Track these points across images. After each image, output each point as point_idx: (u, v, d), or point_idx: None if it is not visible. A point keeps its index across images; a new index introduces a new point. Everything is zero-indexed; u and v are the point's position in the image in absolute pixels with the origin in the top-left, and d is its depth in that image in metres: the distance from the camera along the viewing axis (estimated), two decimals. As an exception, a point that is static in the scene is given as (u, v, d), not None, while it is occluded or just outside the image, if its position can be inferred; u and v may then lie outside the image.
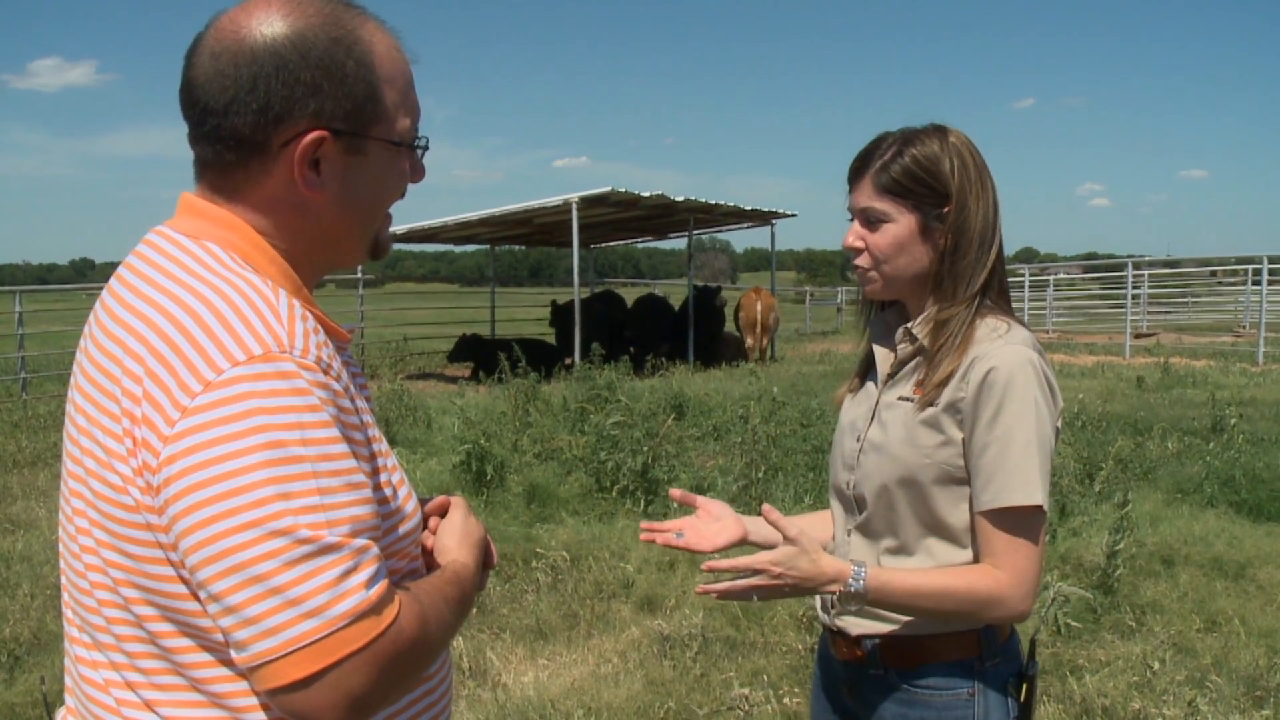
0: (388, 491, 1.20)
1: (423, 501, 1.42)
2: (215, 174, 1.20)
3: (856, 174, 1.81)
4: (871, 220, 1.79)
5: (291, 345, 1.08)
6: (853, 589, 1.67)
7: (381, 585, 1.07)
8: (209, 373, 1.04)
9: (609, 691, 4.31)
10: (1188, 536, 6.24)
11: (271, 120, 1.15)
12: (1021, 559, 1.66)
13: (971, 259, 1.75)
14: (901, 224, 1.76)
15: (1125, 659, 4.55)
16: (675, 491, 1.97)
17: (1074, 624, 4.88)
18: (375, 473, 1.17)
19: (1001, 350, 1.68)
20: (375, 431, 1.22)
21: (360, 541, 1.06)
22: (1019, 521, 1.66)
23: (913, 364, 1.80)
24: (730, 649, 4.74)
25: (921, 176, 1.74)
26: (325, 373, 1.10)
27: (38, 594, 5.48)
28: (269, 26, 1.16)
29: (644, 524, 1.94)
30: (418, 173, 1.32)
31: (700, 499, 1.96)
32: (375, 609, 1.05)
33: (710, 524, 1.93)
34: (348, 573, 1.03)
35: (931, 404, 1.72)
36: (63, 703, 1.28)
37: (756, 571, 1.69)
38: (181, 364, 1.06)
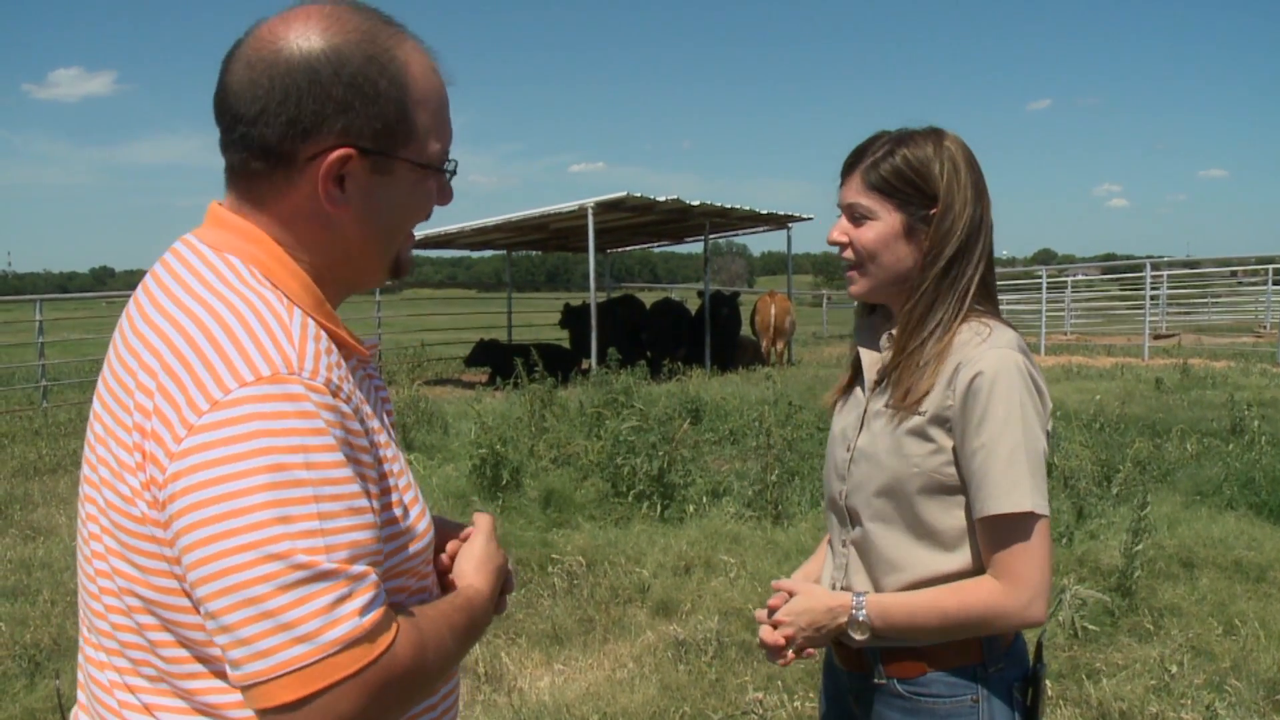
0: (397, 512, 1.20)
1: (442, 522, 1.42)
2: (243, 181, 1.21)
3: (848, 169, 1.82)
4: (857, 216, 1.79)
5: (301, 366, 1.09)
6: (859, 618, 1.74)
7: (377, 613, 1.07)
8: (217, 392, 1.05)
9: (624, 696, 4.32)
10: (1206, 539, 6.19)
11: (299, 133, 1.16)
12: (1021, 565, 1.64)
13: (955, 263, 1.75)
14: (886, 222, 1.77)
15: (1143, 662, 4.52)
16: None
17: (1091, 627, 4.85)
18: (385, 493, 1.18)
19: (986, 354, 1.67)
20: (389, 451, 1.22)
21: (358, 568, 1.06)
22: (1013, 528, 1.64)
23: (897, 370, 1.79)
24: (745, 653, 4.73)
25: (910, 177, 1.74)
26: (334, 395, 1.11)
27: (58, 600, 5.53)
28: (306, 40, 1.16)
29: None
30: (445, 195, 1.32)
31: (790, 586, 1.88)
32: (368, 636, 1.06)
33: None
34: (341, 599, 1.04)
35: (917, 412, 1.70)
36: (75, 700, 1.31)
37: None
38: (191, 381, 1.07)
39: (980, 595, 1.67)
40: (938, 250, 1.75)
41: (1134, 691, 4.21)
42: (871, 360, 1.87)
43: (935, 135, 1.78)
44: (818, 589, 1.84)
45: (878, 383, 1.83)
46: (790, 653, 1.84)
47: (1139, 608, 5.15)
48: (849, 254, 1.82)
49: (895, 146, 1.76)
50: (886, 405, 1.77)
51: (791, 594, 1.84)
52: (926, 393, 1.70)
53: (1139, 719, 4.01)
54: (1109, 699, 4.13)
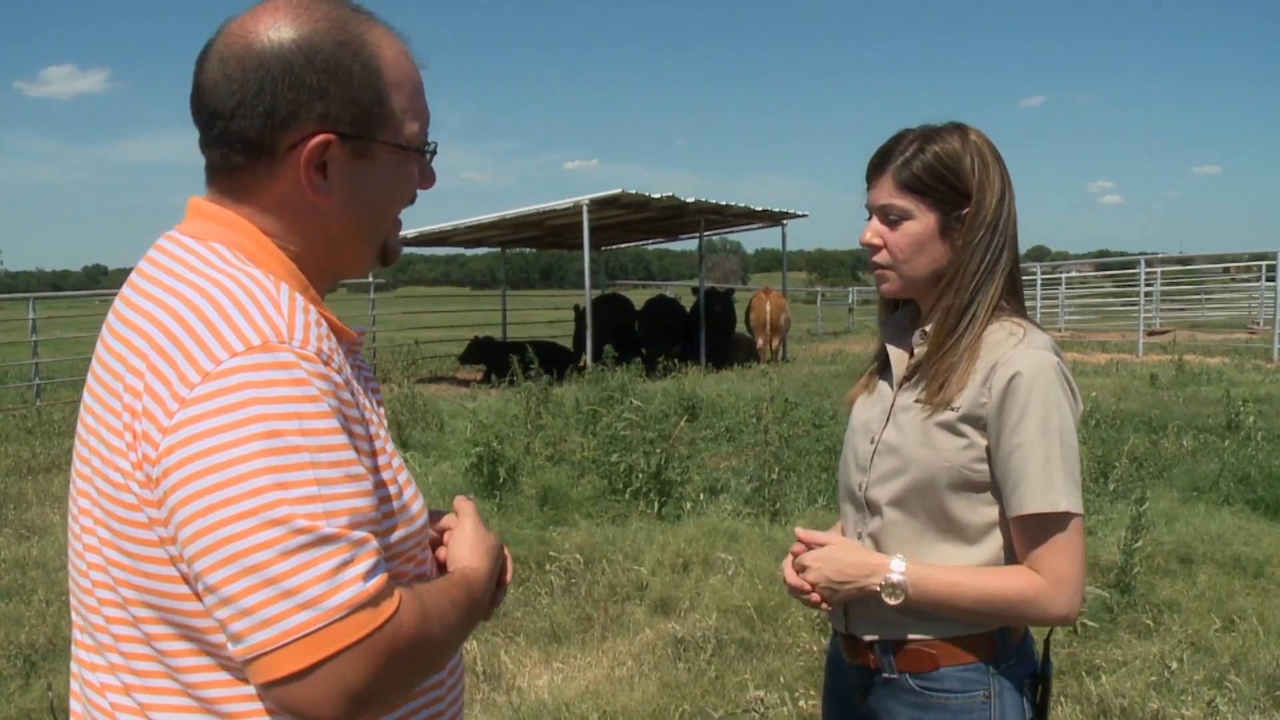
0: (392, 490, 1.19)
1: (435, 514, 1.41)
2: (224, 177, 1.21)
3: (876, 170, 1.79)
4: (891, 218, 1.77)
5: (291, 336, 1.09)
6: (894, 579, 1.70)
7: (380, 579, 1.06)
8: (208, 364, 1.05)
9: (624, 694, 4.30)
10: (1204, 535, 6.20)
11: (278, 124, 1.16)
12: (1059, 562, 1.65)
13: (988, 260, 1.74)
14: (921, 222, 1.75)
15: (1143, 659, 4.52)
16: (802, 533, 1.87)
17: (1091, 624, 4.85)
18: (378, 469, 1.17)
19: (1024, 355, 1.67)
20: (382, 431, 1.21)
21: (359, 534, 1.05)
22: (1051, 526, 1.65)
23: (932, 365, 1.78)
24: (745, 651, 4.72)
25: (943, 174, 1.73)
26: (326, 364, 1.10)
27: (53, 600, 5.50)
28: (276, 31, 1.17)
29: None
30: (427, 178, 1.32)
31: (817, 537, 1.84)
32: (373, 601, 1.04)
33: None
34: (345, 564, 1.02)
35: (950, 408, 1.70)
36: (70, 709, 1.28)
37: (805, 569, 1.80)
38: (181, 356, 1.06)
39: (1022, 583, 1.67)
40: (972, 247, 1.74)
41: (1134, 688, 4.20)
42: (899, 356, 1.86)
43: (960, 130, 1.77)
44: (851, 542, 1.81)
45: (907, 378, 1.82)
46: (817, 594, 1.80)
47: (1138, 604, 5.15)
48: (883, 256, 1.79)
49: (924, 144, 1.74)
50: (917, 400, 1.76)
51: (820, 544, 1.80)
52: (960, 389, 1.70)
53: (1139, 715, 4.00)
54: (1109, 695, 4.13)
